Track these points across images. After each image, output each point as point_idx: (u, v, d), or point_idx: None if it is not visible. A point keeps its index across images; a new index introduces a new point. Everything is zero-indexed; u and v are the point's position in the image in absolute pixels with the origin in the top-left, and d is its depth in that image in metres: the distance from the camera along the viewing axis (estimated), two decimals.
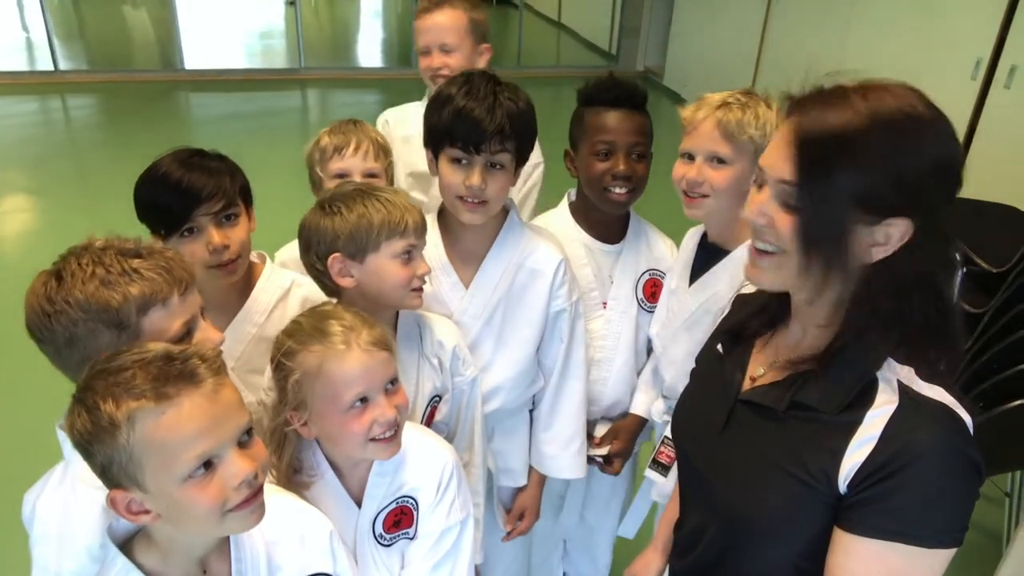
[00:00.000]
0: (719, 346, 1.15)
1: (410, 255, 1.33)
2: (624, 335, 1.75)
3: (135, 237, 1.08)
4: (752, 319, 1.10)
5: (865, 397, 0.90)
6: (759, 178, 0.94)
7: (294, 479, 1.21)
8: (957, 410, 0.88)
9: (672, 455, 1.64)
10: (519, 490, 1.76)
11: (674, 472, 1.64)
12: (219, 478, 0.87)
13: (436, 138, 1.43)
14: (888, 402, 0.88)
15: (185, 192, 1.34)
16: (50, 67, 6.88)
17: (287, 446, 1.20)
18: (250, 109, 6.64)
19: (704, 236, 1.62)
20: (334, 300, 1.36)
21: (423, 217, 1.36)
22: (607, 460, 1.78)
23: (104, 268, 1.00)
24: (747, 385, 1.06)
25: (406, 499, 1.27)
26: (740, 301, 1.18)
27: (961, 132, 3.87)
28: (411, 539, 1.30)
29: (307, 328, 1.16)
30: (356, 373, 1.13)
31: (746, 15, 5.98)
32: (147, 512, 0.88)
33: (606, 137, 1.59)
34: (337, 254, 1.30)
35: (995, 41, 3.77)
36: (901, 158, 0.84)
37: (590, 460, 1.77)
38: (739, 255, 1.50)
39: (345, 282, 1.32)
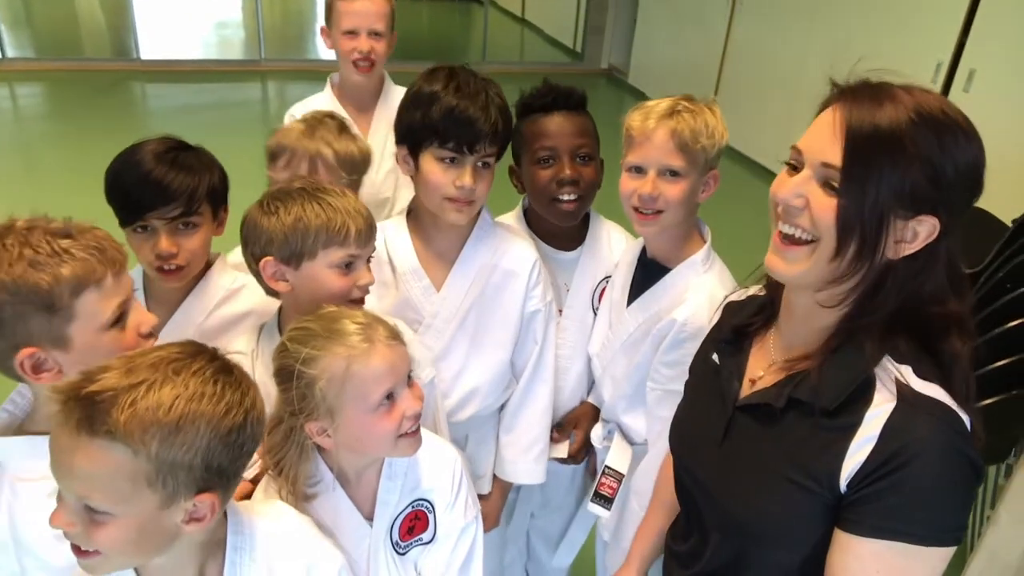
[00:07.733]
0: (714, 356, 1.13)
1: (350, 265, 1.24)
2: (580, 344, 1.67)
3: (64, 218, 1.04)
4: (754, 319, 1.09)
5: (863, 397, 0.90)
6: (796, 161, 0.93)
7: (297, 490, 1.14)
8: (955, 408, 0.88)
9: (614, 487, 1.56)
10: (481, 497, 1.68)
11: (616, 505, 1.57)
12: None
13: (419, 136, 1.38)
14: (886, 401, 0.88)
15: (146, 188, 1.29)
16: None
17: (303, 460, 1.13)
18: (209, 100, 6.48)
19: (643, 251, 1.52)
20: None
21: (370, 224, 1.27)
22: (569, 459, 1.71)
23: (32, 248, 0.96)
24: (746, 390, 1.05)
25: (421, 502, 1.23)
26: (731, 308, 1.16)
27: None
28: (426, 544, 1.25)
29: (321, 332, 1.08)
30: (383, 369, 1.07)
31: (711, 14, 6.03)
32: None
33: (547, 143, 1.52)
34: (270, 258, 1.22)
35: (955, 45, 3.86)
36: (941, 156, 0.86)
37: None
38: (680, 274, 1.43)
39: (278, 286, 1.25)
